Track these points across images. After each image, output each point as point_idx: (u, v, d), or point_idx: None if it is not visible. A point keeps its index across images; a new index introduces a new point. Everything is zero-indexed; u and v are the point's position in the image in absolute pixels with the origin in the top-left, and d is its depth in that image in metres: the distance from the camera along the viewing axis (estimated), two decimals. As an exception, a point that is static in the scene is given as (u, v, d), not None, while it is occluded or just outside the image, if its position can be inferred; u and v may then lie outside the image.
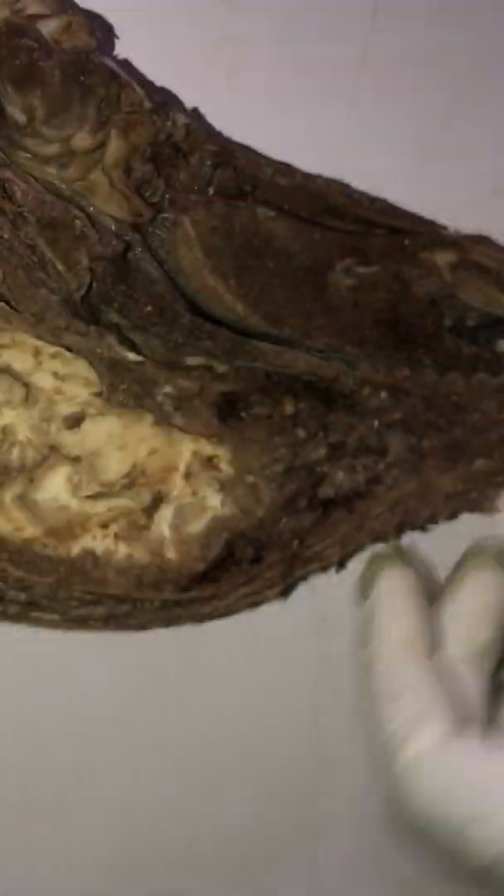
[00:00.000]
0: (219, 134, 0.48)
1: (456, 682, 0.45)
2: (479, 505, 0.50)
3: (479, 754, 0.42)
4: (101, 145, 0.43)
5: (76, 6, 0.46)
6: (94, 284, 0.44)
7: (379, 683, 0.45)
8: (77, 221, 0.43)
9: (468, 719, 0.44)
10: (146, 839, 0.57)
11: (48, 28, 0.43)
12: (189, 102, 0.51)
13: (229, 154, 0.46)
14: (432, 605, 0.47)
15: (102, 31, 0.45)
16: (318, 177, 0.48)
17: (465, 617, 0.47)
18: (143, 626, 0.45)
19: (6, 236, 0.42)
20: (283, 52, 0.55)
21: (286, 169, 0.48)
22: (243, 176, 0.47)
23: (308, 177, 0.48)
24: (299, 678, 0.56)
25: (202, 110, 0.52)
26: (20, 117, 0.43)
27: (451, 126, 0.57)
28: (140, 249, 0.45)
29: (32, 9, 0.43)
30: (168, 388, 0.44)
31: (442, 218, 0.53)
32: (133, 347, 0.44)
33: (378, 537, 0.48)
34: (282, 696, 0.53)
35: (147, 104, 0.44)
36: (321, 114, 0.56)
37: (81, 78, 0.42)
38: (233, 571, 0.45)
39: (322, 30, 0.55)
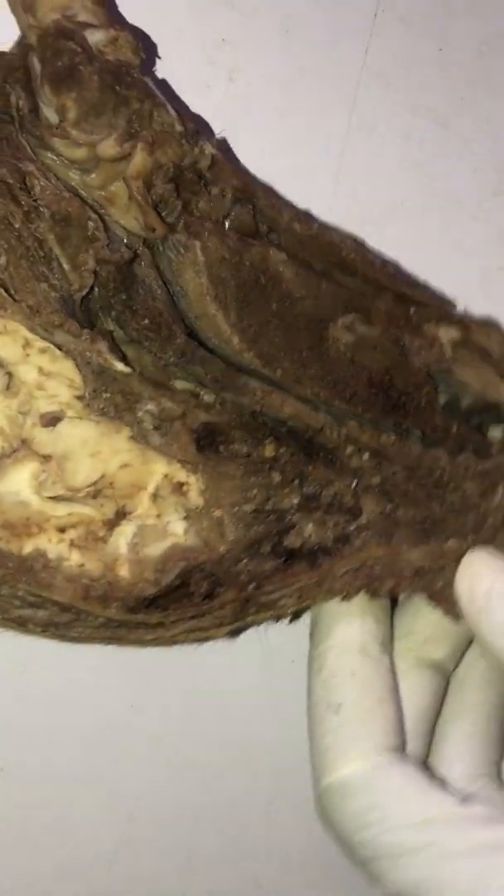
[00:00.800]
0: (245, 172, 0.49)
1: (406, 700, 0.48)
2: (442, 597, 0.49)
3: (403, 792, 0.44)
4: (126, 156, 0.44)
5: (125, 23, 0.47)
6: (96, 289, 0.44)
7: (322, 691, 0.47)
8: (90, 223, 0.44)
9: (403, 745, 0.46)
10: (147, 837, 0.58)
11: (95, 38, 0.44)
12: (190, 104, 0.53)
13: (251, 192, 0.48)
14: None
15: (146, 51, 0.46)
16: (335, 230, 0.49)
17: (419, 632, 0.50)
18: (82, 640, 0.45)
19: (17, 225, 0.43)
20: (284, 53, 0.57)
21: (304, 217, 0.49)
22: (262, 216, 0.48)
23: (325, 228, 0.49)
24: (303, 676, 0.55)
25: (203, 112, 0.54)
26: (52, 117, 0.44)
27: (451, 126, 0.58)
28: (147, 264, 0.45)
29: (83, 17, 0.44)
30: (151, 406, 0.44)
31: (442, 218, 0.54)
32: (123, 358, 0.44)
33: (335, 596, 0.47)
34: (286, 694, 0.52)
35: (178, 127, 0.45)
36: (322, 114, 0.58)
37: (118, 88, 0.44)
38: (183, 603, 0.45)
39: (324, 30, 0.58)
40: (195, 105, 0.54)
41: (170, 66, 0.53)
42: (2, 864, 0.57)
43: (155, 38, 0.53)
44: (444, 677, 0.51)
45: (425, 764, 0.49)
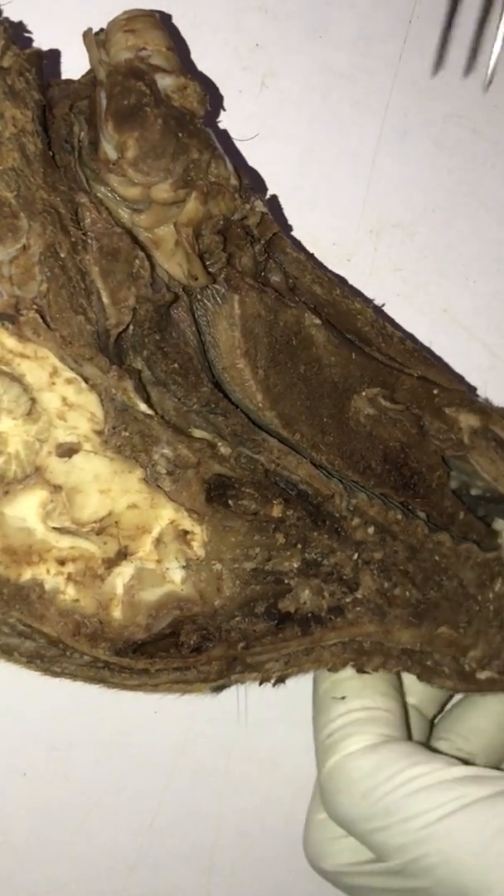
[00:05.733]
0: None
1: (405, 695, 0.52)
2: (430, 676, 0.51)
3: (410, 757, 0.47)
4: (179, 202, 0.45)
5: (196, 74, 0.49)
6: (131, 326, 0.45)
7: (327, 684, 0.50)
8: (137, 261, 0.45)
9: (398, 734, 0.49)
10: (168, 844, 0.60)
11: (164, 82, 0.46)
12: (224, 107, 0.55)
13: (282, 249, 0.49)
14: None
15: (212, 104, 0.48)
16: (357, 299, 0.50)
17: None
18: (65, 676, 0.46)
19: (62, 255, 0.44)
20: (317, 59, 0.59)
21: (327, 282, 0.50)
22: (287, 273, 0.49)
23: (345, 296, 0.51)
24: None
25: (236, 116, 0.56)
26: (111, 153, 0.45)
27: (483, 133, 0.61)
28: (183, 310, 0.47)
29: (155, 61, 0.46)
30: (167, 451, 0.46)
31: (473, 224, 0.58)
32: (147, 400, 0.45)
33: (322, 666, 0.49)
34: (309, 703, 0.54)
35: (233, 181, 0.47)
36: (355, 120, 0.60)
37: (180, 135, 0.45)
38: (171, 653, 0.46)
39: (357, 36, 0.60)
40: (228, 110, 0.56)
41: (204, 70, 0.55)
42: (23, 869, 0.59)
43: (191, 41, 0.55)
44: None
45: None
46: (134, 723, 0.59)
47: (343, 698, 0.50)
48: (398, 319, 0.60)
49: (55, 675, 0.46)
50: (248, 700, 0.55)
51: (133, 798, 0.60)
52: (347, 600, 0.49)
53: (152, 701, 0.56)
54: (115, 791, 0.59)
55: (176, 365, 0.47)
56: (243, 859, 0.61)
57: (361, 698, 0.50)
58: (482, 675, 0.52)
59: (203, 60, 0.56)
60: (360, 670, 0.50)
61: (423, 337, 0.61)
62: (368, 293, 0.60)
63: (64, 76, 0.52)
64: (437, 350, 0.61)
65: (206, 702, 0.55)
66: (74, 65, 0.50)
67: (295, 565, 0.48)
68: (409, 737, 0.51)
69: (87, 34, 0.47)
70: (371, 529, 0.49)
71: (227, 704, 0.56)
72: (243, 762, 0.61)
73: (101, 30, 0.47)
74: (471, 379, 0.60)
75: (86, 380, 0.44)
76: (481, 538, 0.53)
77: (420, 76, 0.60)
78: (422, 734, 0.53)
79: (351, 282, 0.60)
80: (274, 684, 0.49)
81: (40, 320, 0.44)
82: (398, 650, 0.50)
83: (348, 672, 0.50)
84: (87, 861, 0.59)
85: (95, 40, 0.47)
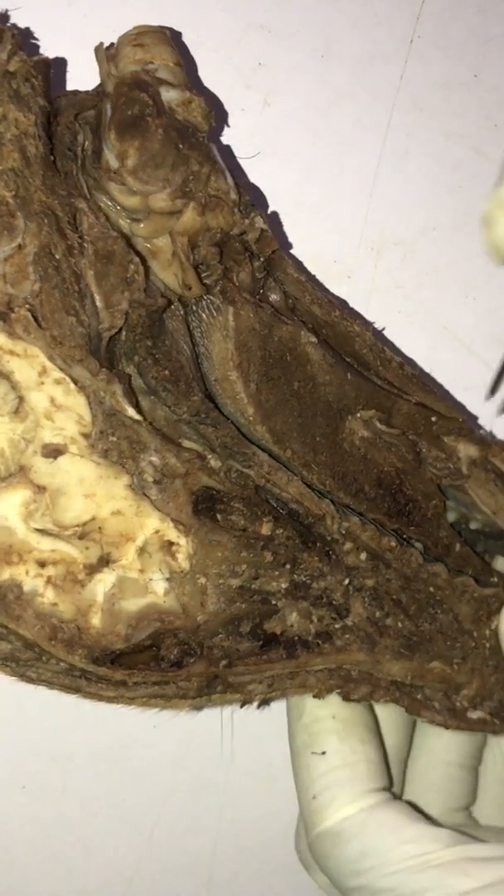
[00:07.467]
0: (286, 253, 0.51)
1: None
2: (420, 709, 0.50)
3: (396, 834, 0.46)
4: (177, 213, 0.46)
5: (202, 90, 0.50)
6: (123, 333, 0.46)
7: (305, 736, 0.49)
8: (131, 265, 0.45)
9: (388, 783, 0.49)
10: (167, 857, 0.60)
11: (169, 95, 0.47)
12: (225, 127, 0.57)
13: (282, 269, 0.49)
14: None
15: (217, 120, 0.49)
16: (356, 322, 0.51)
17: None
18: (40, 682, 0.45)
19: (57, 256, 0.45)
20: (319, 78, 0.60)
21: (326, 303, 0.50)
22: (287, 293, 0.50)
23: (344, 318, 0.51)
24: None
25: (238, 135, 0.57)
26: (113, 161, 0.46)
27: (484, 152, 0.62)
28: (178, 321, 0.47)
29: (162, 74, 0.47)
30: (155, 459, 0.45)
31: (473, 243, 0.59)
32: (136, 405, 0.45)
33: (307, 692, 0.48)
34: None
35: (233, 196, 0.47)
36: (356, 138, 0.61)
37: (181, 146, 0.46)
38: (150, 666, 0.45)
39: (359, 55, 0.61)
40: (231, 128, 0.57)
41: (206, 89, 0.56)
42: (22, 881, 0.58)
43: (194, 61, 0.57)
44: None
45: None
46: (133, 736, 0.59)
47: (323, 753, 0.49)
48: (398, 337, 0.61)
49: (30, 680, 0.45)
50: (247, 714, 0.54)
51: (132, 811, 0.60)
52: (336, 626, 0.48)
53: (151, 714, 0.55)
54: (113, 804, 0.60)
55: (166, 372, 0.47)
56: (241, 873, 0.61)
57: (342, 753, 0.49)
58: (474, 715, 0.50)
59: (206, 78, 0.57)
60: (347, 698, 0.49)
61: (424, 354, 0.61)
62: (369, 311, 0.61)
63: (69, 85, 0.53)
64: (438, 367, 0.61)
65: (204, 716, 0.54)
66: (79, 74, 0.51)
67: (283, 586, 0.47)
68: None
69: (98, 48, 0.48)
70: (363, 555, 0.49)
71: (225, 719, 0.56)
72: (242, 776, 0.61)
73: (112, 44, 0.48)
74: (470, 396, 0.61)
75: (75, 381, 0.44)
76: (478, 573, 0.52)
77: (421, 95, 0.62)
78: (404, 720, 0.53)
79: (351, 299, 0.61)
80: (258, 707, 0.48)
81: (31, 319, 0.44)
82: (387, 681, 0.49)
83: (324, 720, 0.49)
84: (85, 874, 0.59)
85: (106, 54, 0.48)
